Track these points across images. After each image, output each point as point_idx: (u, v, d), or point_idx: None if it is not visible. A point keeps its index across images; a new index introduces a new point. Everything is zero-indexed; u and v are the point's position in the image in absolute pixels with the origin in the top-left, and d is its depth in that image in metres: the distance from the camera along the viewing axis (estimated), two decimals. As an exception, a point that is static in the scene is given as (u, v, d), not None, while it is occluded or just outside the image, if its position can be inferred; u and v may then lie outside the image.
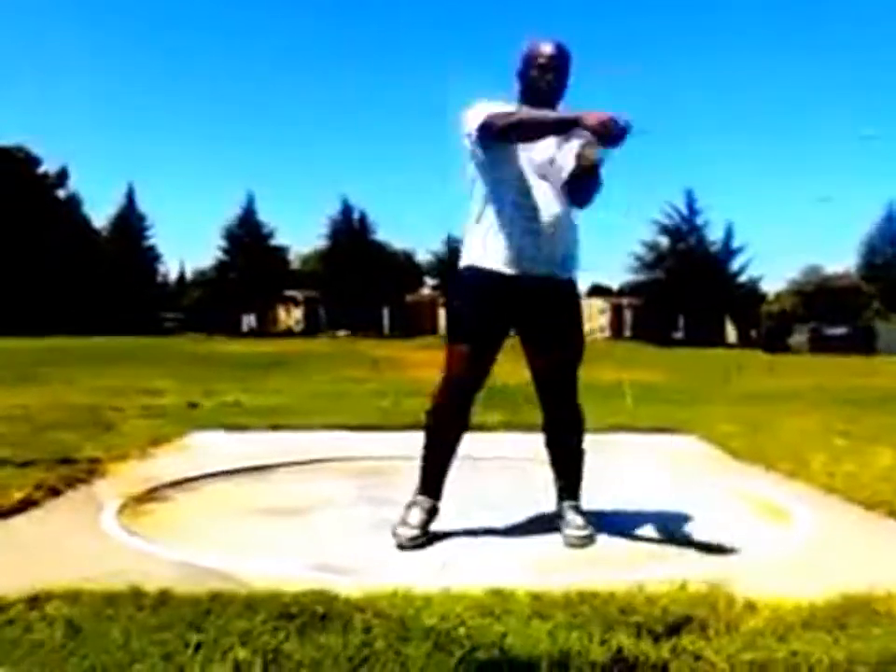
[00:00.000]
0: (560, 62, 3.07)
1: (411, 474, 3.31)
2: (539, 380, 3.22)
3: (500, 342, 3.16)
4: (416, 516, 3.11)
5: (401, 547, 3.00)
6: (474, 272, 3.12)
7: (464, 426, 3.18)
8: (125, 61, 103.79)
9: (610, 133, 2.68)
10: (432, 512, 3.16)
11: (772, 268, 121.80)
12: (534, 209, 3.04)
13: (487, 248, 3.08)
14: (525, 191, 3.05)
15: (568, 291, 3.20)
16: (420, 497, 3.19)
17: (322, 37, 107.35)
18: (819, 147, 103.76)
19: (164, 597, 2.23)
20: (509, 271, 3.05)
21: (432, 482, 3.20)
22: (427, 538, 3.06)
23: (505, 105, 3.04)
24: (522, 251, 3.04)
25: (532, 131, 2.95)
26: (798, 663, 1.91)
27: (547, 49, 3.05)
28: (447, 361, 3.14)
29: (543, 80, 3.05)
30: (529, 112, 2.97)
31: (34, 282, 52.54)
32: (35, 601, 2.19)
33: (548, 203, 3.06)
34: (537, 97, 3.05)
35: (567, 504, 3.22)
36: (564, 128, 2.91)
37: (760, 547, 3.07)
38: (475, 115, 3.00)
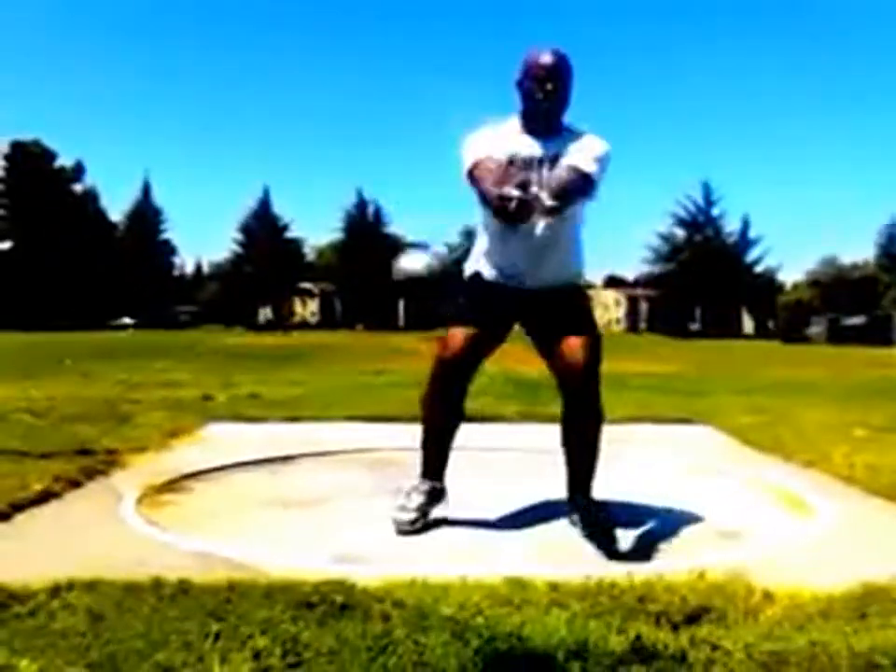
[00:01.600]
0: (559, 72, 2.98)
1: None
2: (558, 382, 3.13)
3: (496, 337, 3.16)
4: (415, 500, 3.15)
5: (402, 532, 3.03)
6: (478, 277, 3.19)
7: (459, 408, 3.19)
8: (140, 55, 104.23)
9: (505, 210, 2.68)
10: (433, 495, 3.20)
11: (789, 258, 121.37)
12: (518, 232, 2.97)
13: (484, 263, 3.18)
14: None
15: (566, 298, 3.12)
16: (419, 481, 3.24)
17: (340, 32, 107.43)
18: (836, 137, 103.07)
19: (184, 587, 2.24)
20: (503, 282, 3.12)
21: (430, 464, 3.24)
22: (425, 521, 3.11)
23: (495, 136, 3.03)
24: (510, 269, 3.10)
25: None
26: (817, 653, 1.90)
27: (545, 58, 2.97)
28: (443, 342, 3.13)
29: (541, 91, 2.97)
30: (488, 189, 2.85)
31: (50, 277, 52.85)
32: (56, 591, 2.20)
33: (532, 225, 2.98)
34: (536, 108, 3.02)
35: (577, 500, 3.17)
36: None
37: (778, 537, 3.06)
38: (467, 158, 3.00)
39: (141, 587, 2.24)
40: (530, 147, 3.03)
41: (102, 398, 7.37)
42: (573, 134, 3.06)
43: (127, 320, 54.00)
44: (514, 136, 3.07)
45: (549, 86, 2.96)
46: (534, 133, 3.05)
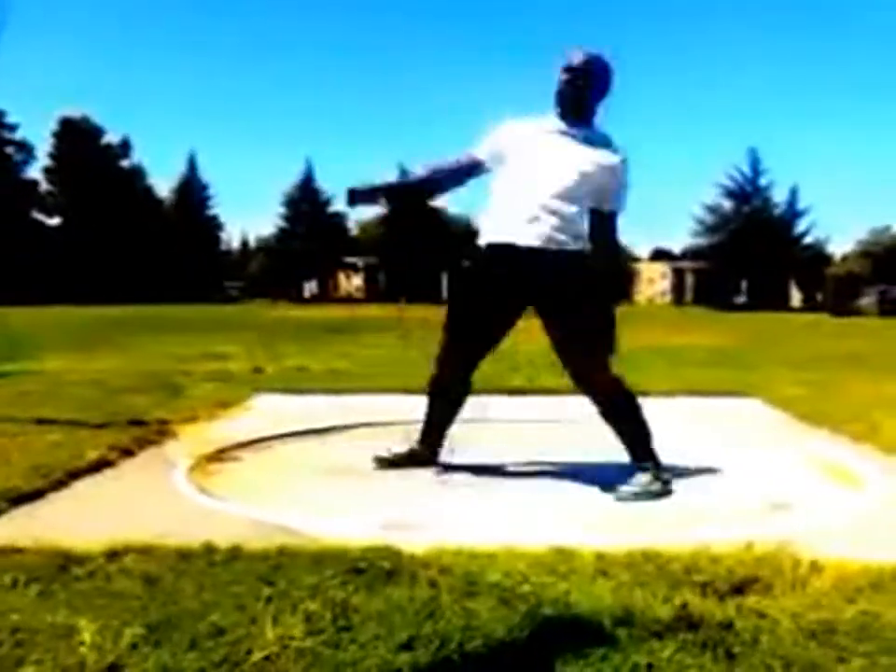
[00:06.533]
0: (588, 71, 3.30)
1: (469, 436, 3.35)
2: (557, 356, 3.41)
3: (496, 330, 3.44)
4: (397, 450, 3.66)
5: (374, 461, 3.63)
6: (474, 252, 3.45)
7: (453, 401, 3.59)
8: (185, 30, 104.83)
9: None
10: (413, 457, 3.65)
11: (839, 229, 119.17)
12: (520, 192, 3.32)
13: (482, 229, 3.44)
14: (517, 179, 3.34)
15: (564, 269, 3.27)
16: (415, 442, 3.67)
17: (385, 5, 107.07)
18: (888, 104, 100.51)
19: (235, 552, 2.30)
20: (497, 243, 3.34)
21: (423, 434, 3.67)
22: (392, 467, 3.61)
23: (516, 124, 3.45)
24: (506, 225, 3.33)
25: None
26: (867, 622, 1.89)
27: (575, 59, 3.30)
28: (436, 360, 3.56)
29: (570, 88, 3.31)
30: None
31: (99, 252, 53.66)
32: (113, 555, 2.27)
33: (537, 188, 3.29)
34: (566, 104, 3.34)
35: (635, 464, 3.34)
36: None
37: (827, 509, 3.03)
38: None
39: (194, 552, 2.29)
40: (556, 122, 3.37)
41: (154, 370, 7.50)
42: (600, 137, 3.39)
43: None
44: (535, 124, 3.42)
45: (579, 83, 3.30)
46: (565, 119, 3.36)
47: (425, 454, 3.66)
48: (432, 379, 3.57)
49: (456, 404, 3.59)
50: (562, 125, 3.35)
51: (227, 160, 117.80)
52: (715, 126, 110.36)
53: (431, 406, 3.62)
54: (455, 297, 3.54)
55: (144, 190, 60.64)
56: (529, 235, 3.25)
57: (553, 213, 3.26)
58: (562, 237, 3.26)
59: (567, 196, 3.26)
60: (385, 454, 3.65)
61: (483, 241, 3.40)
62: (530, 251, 3.25)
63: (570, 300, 3.28)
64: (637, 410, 3.35)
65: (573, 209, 3.29)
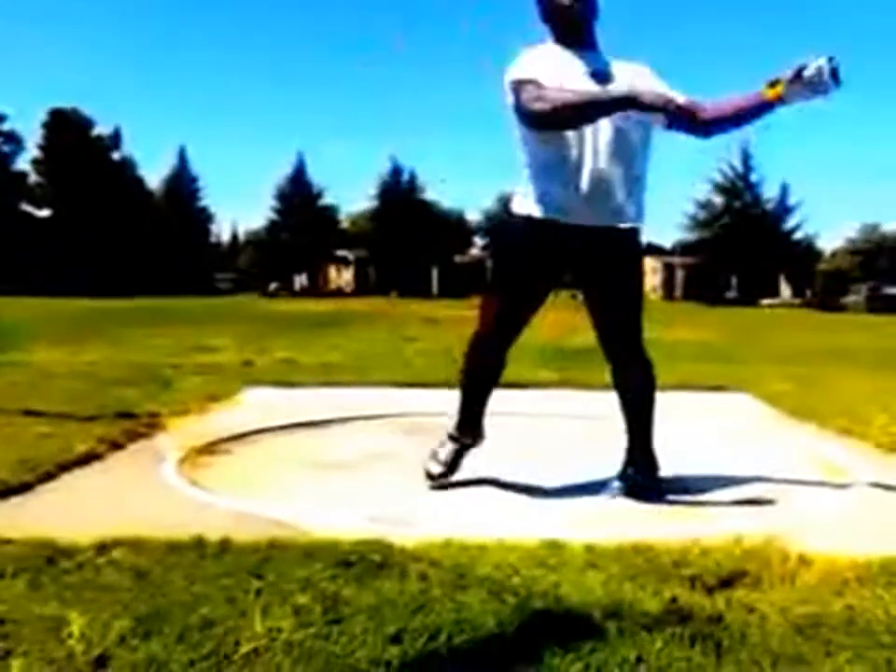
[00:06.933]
0: None
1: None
2: (598, 334, 3.23)
3: (538, 299, 3.14)
4: (445, 452, 3.31)
5: (430, 477, 3.25)
6: (519, 220, 3.05)
7: (493, 374, 3.29)
8: (175, 23, 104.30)
9: (668, 110, 2.66)
10: (462, 449, 3.33)
11: (828, 226, 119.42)
12: (583, 159, 2.88)
13: (533, 200, 2.99)
14: (575, 141, 2.89)
15: (623, 246, 3.04)
16: (454, 433, 3.36)
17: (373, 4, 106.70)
18: (878, 102, 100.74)
19: (225, 545, 2.29)
20: (555, 219, 2.95)
21: (462, 421, 3.35)
22: (452, 474, 3.27)
23: (542, 57, 2.91)
24: (568, 201, 2.91)
25: (584, 115, 2.77)
26: (853, 616, 1.90)
27: None
28: (480, 315, 3.22)
29: (573, 10, 2.88)
30: (579, 95, 2.76)
31: (89, 244, 53.41)
32: (102, 548, 2.26)
33: (602, 152, 2.89)
34: (572, 30, 2.93)
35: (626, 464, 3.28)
36: (619, 107, 2.72)
37: (815, 503, 3.04)
38: (521, 94, 2.80)
39: (183, 545, 2.29)
40: (574, 63, 2.92)
41: (143, 362, 7.48)
42: (619, 61, 3.00)
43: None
44: (554, 55, 2.94)
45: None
46: (572, 48, 2.95)
47: (469, 440, 3.35)
48: (471, 362, 3.27)
49: (495, 382, 3.31)
50: (586, 63, 2.92)
51: (218, 152, 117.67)
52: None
53: (471, 390, 3.32)
54: (510, 274, 3.11)
55: (134, 182, 60.36)
56: (598, 210, 2.90)
57: (622, 176, 2.91)
58: (629, 206, 2.96)
59: (632, 150, 2.94)
60: (436, 468, 3.27)
61: (539, 206, 2.95)
62: (597, 230, 2.93)
63: (632, 279, 3.14)
64: (653, 402, 3.28)
65: (640, 155, 2.99)
